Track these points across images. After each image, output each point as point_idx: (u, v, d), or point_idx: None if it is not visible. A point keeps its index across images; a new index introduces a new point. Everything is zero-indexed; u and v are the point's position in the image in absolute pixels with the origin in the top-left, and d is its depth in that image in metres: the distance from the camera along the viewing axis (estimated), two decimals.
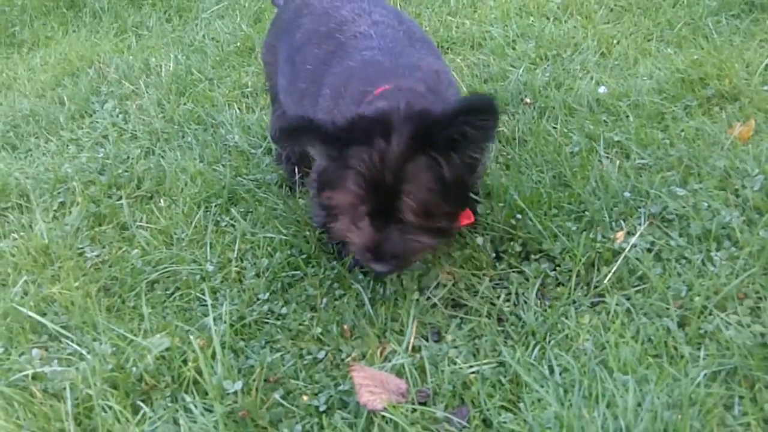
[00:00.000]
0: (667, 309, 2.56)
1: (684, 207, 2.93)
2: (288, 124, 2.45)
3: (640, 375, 2.33)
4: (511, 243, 2.96)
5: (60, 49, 5.68)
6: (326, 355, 2.67)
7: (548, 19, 4.73)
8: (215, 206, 3.47)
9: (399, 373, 2.52)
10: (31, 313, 2.92)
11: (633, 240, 2.81)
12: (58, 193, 3.74)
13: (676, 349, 2.43)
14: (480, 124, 2.34)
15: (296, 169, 3.48)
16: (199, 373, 2.51)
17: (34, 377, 2.66)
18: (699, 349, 2.40)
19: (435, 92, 2.67)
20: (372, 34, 2.88)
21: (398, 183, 2.39)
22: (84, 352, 2.72)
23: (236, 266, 3.10)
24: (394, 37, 2.89)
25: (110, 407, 2.47)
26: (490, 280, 2.84)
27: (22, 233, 3.46)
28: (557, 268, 2.84)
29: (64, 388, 2.55)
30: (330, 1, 3.09)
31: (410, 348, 2.62)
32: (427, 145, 2.38)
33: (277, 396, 2.49)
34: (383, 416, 2.36)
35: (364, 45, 2.85)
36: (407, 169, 2.38)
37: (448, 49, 4.64)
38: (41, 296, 3.06)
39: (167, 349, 2.63)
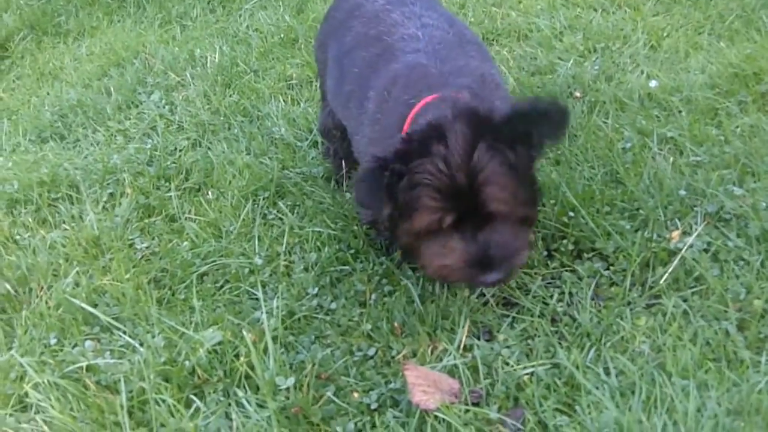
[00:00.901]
0: (726, 312, 2.53)
1: (741, 206, 2.88)
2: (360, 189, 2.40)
3: (699, 380, 2.30)
4: (564, 241, 2.92)
5: (105, 39, 5.69)
6: (377, 352, 2.66)
7: (595, 10, 4.67)
8: (263, 199, 3.47)
9: (451, 372, 2.51)
10: (83, 305, 2.93)
11: (690, 240, 2.77)
12: (108, 184, 3.75)
13: (735, 353, 2.40)
14: (546, 130, 2.32)
15: (343, 163, 3.47)
16: (251, 368, 2.52)
17: (88, 369, 2.67)
18: (759, 353, 2.37)
19: (481, 98, 2.58)
20: (420, 36, 2.84)
21: (473, 177, 2.29)
22: (136, 344, 2.73)
23: (285, 260, 3.10)
24: (442, 39, 2.84)
25: (164, 401, 2.47)
26: (542, 279, 2.82)
27: (72, 224, 3.47)
28: (611, 267, 2.81)
29: (118, 381, 2.56)
30: (382, 5, 3.06)
31: (462, 347, 2.60)
32: (486, 136, 2.32)
33: (329, 393, 2.48)
34: (436, 416, 2.35)
35: (410, 47, 2.80)
36: (475, 160, 2.30)
37: (493, 40, 4.60)
38: (93, 287, 3.07)
39: (219, 343, 2.64)
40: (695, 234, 2.80)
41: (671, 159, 3.23)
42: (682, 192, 3.01)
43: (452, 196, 2.30)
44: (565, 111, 2.31)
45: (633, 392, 2.30)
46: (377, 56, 2.87)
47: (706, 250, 2.78)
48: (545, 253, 2.93)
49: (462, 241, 2.35)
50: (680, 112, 3.55)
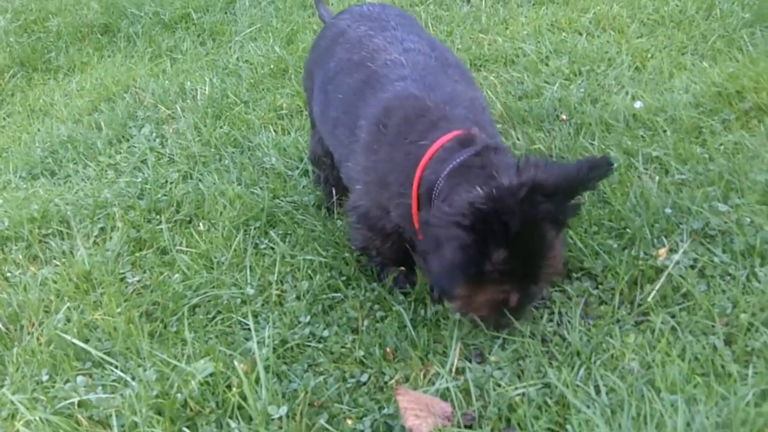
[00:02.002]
0: (713, 326, 2.55)
1: (726, 222, 2.91)
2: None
3: (688, 394, 2.31)
4: None
5: (96, 75, 5.71)
6: (369, 378, 2.67)
7: (581, 34, 4.72)
8: (254, 229, 3.48)
9: (443, 395, 2.52)
10: (74, 340, 2.93)
11: (676, 257, 2.80)
12: (98, 218, 3.76)
13: (723, 367, 2.42)
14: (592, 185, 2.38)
15: (334, 191, 3.49)
16: (244, 398, 2.52)
17: (80, 404, 2.67)
18: (747, 367, 2.39)
19: (479, 125, 2.64)
20: (403, 61, 2.87)
21: (541, 259, 2.37)
22: (128, 378, 2.73)
23: (277, 289, 3.11)
24: (426, 64, 2.87)
25: None
26: None
27: (63, 260, 3.48)
28: (599, 286, 2.83)
29: (110, 416, 2.56)
30: (364, 31, 3.09)
31: (454, 370, 2.61)
32: (549, 212, 2.33)
33: (322, 421, 2.49)
34: None
35: (395, 74, 2.83)
36: (544, 246, 2.36)
37: (481, 66, 4.63)
38: (84, 322, 3.07)
39: (211, 375, 2.64)
40: (681, 251, 2.82)
41: (657, 178, 3.25)
42: (668, 210, 3.04)
43: (521, 279, 2.39)
44: (607, 164, 2.36)
45: (623, 409, 2.32)
46: (362, 83, 2.89)
47: (692, 267, 2.80)
48: None
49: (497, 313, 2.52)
50: (665, 131, 3.58)
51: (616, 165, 3.36)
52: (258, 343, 2.73)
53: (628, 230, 3.00)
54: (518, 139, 3.72)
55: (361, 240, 3.01)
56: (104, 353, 2.87)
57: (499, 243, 2.26)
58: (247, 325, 2.87)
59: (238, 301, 3.09)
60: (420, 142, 2.61)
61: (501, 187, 2.30)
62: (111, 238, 3.58)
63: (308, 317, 2.94)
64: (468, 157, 2.46)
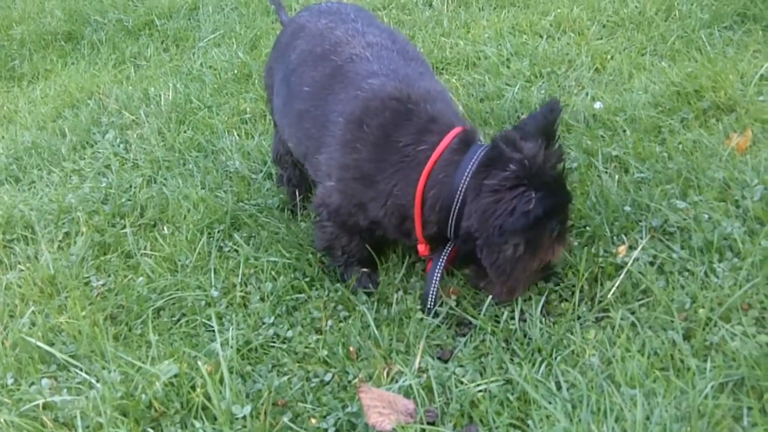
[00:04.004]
0: (672, 322, 2.57)
1: (685, 219, 2.94)
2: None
3: (647, 388, 2.34)
4: None
5: (60, 82, 5.71)
6: (333, 377, 2.68)
7: (541, 36, 4.76)
8: (218, 232, 3.49)
9: (406, 393, 2.53)
10: (39, 344, 2.93)
11: (635, 254, 2.83)
12: (63, 223, 3.76)
13: (682, 361, 2.44)
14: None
15: (297, 192, 3.51)
16: (208, 398, 2.52)
17: (45, 407, 2.66)
18: (705, 360, 2.41)
19: (456, 117, 2.85)
20: (368, 57, 2.92)
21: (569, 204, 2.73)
22: (93, 380, 2.73)
23: (241, 291, 3.12)
24: (391, 59, 2.93)
25: None
26: (494, 298, 2.85)
27: (28, 264, 3.47)
28: (560, 284, 2.86)
29: (75, 417, 2.56)
30: (325, 24, 3.13)
31: (417, 368, 2.63)
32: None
33: (285, 419, 2.49)
34: None
35: (364, 70, 2.88)
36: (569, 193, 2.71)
37: (443, 69, 4.66)
38: (49, 326, 3.07)
39: (175, 376, 2.64)
40: (640, 248, 2.85)
41: (616, 177, 3.29)
42: (628, 208, 3.07)
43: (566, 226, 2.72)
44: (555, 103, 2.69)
45: (583, 403, 2.34)
46: (329, 77, 2.94)
47: (652, 263, 2.83)
48: None
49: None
50: (625, 131, 3.62)
51: (576, 163, 3.41)
52: (222, 344, 2.73)
53: (588, 228, 3.03)
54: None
55: (325, 239, 3.04)
56: (69, 356, 2.87)
57: (552, 197, 2.53)
58: (212, 326, 2.87)
59: (203, 303, 3.09)
60: (419, 147, 2.71)
61: (525, 157, 2.56)
62: (75, 242, 3.58)
63: (272, 318, 2.95)
64: (488, 151, 2.66)
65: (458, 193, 2.61)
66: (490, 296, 2.78)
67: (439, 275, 2.81)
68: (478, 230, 2.60)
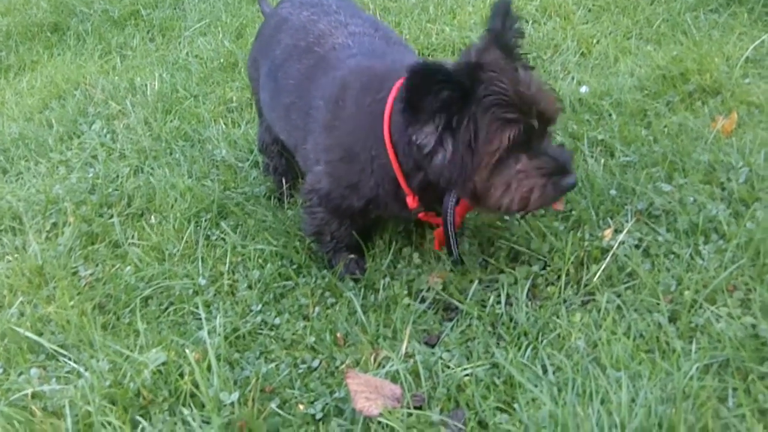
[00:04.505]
0: (658, 304, 2.59)
1: (670, 202, 2.95)
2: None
3: (633, 371, 2.35)
4: (500, 243, 2.98)
5: (46, 73, 5.69)
6: (320, 363, 2.69)
7: (527, 21, 4.76)
8: (205, 221, 3.49)
9: (393, 378, 2.54)
10: (28, 333, 2.93)
11: (620, 237, 2.84)
12: (50, 214, 3.75)
13: (667, 343, 2.45)
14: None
15: (283, 180, 3.51)
16: (196, 385, 2.53)
17: (34, 396, 2.67)
18: (691, 342, 2.42)
19: None
20: (350, 44, 2.94)
21: (531, 89, 2.45)
22: (82, 369, 2.73)
23: (228, 279, 3.13)
24: (372, 43, 2.96)
25: (109, 423, 2.47)
26: (480, 283, 2.86)
27: (16, 255, 3.47)
28: (546, 267, 2.87)
29: (64, 406, 2.56)
30: (307, 16, 3.14)
31: (404, 353, 2.64)
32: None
33: (273, 406, 2.50)
34: (379, 422, 2.38)
35: (345, 54, 2.90)
36: (523, 74, 2.47)
37: (429, 55, 4.66)
38: (37, 316, 3.08)
39: (164, 364, 2.64)
40: (625, 231, 2.86)
41: (602, 160, 3.29)
42: (613, 191, 3.08)
43: (521, 109, 2.42)
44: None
45: (569, 386, 2.35)
46: (312, 67, 2.96)
47: (637, 246, 2.84)
48: (481, 259, 2.98)
49: (535, 159, 2.49)
50: (610, 115, 3.62)
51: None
52: (209, 332, 2.74)
53: (573, 212, 3.04)
54: None
55: (315, 225, 3.04)
56: (58, 346, 2.87)
57: (474, 83, 2.39)
58: (200, 315, 2.87)
59: (191, 291, 3.10)
60: (377, 97, 2.67)
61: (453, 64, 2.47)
62: (63, 232, 3.58)
63: (260, 305, 2.96)
64: None
65: None
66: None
67: (452, 222, 2.76)
68: (398, 140, 2.61)
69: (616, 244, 2.82)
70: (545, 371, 2.45)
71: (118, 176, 4.01)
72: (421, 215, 2.90)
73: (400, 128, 2.56)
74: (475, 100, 2.38)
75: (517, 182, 2.47)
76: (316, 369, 2.68)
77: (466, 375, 2.50)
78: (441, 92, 2.35)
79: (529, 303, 2.74)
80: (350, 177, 2.80)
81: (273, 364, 2.69)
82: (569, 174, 2.51)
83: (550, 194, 2.51)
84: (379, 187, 2.77)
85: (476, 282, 2.84)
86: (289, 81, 3.03)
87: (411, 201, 2.75)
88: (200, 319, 2.86)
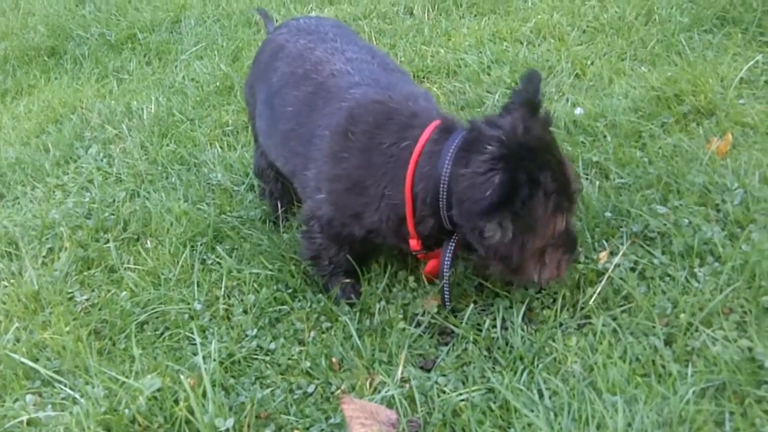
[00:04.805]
0: (654, 327, 2.58)
1: (665, 224, 2.95)
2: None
3: (629, 395, 2.35)
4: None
5: (43, 97, 5.70)
6: (316, 388, 2.68)
7: (522, 43, 4.77)
8: (201, 245, 3.49)
9: (389, 403, 2.54)
10: (23, 360, 2.93)
11: (616, 260, 2.84)
12: (46, 239, 3.75)
13: (663, 367, 2.45)
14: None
15: (279, 204, 3.51)
16: (191, 412, 2.52)
17: (29, 423, 2.66)
18: (687, 366, 2.42)
19: (439, 112, 2.85)
20: (349, 70, 2.95)
21: (567, 174, 2.60)
22: (77, 395, 2.73)
23: (224, 303, 3.13)
24: (371, 71, 2.97)
25: None
26: (476, 306, 2.86)
27: (12, 280, 3.47)
28: (542, 291, 2.86)
29: None
30: (304, 44, 3.15)
31: (399, 378, 2.63)
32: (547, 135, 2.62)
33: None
34: None
35: (346, 82, 2.91)
36: (564, 161, 2.62)
37: (424, 77, 4.67)
38: (33, 342, 3.07)
39: (159, 390, 2.63)
40: (620, 253, 2.86)
41: (597, 183, 3.30)
42: (608, 214, 3.08)
43: (571, 197, 2.62)
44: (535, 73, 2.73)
45: (565, 411, 2.35)
46: (311, 94, 2.97)
47: (633, 269, 2.84)
48: (477, 283, 2.98)
49: (564, 236, 2.67)
50: (605, 137, 3.63)
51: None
52: (204, 357, 2.73)
53: None
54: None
55: (313, 249, 3.04)
56: (53, 372, 2.87)
57: (540, 168, 2.47)
58: (195, 340, 2.87)
59: (186, 316, 3.09)
60: (401, 144, 2.71)
61: (503, 133, 2.52)
62: (59, 258, 3.57)
63: (255, 330, 2.96)
64: (466, 136, 2.62)
65: (442, 183, 2.60)
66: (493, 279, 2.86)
67: (449, 270, 2.79)
68: (460, 218, 2.60)
69: (612, 267, 2.82)
70: (541, 396, 2.44)
71: (114, 200, 4.01)
72: (420, 256, 2.92)
73: (426, 185, 2.66)
74: (542, 187, 2.47)
75: (550, 258, 2.66)
76: (311, 394, 2.67)
77: (462, 400, 2.49)
78: (523, 187, 2.44)
79: (525, 327, 2.74)
80: (355, 207, 2.81)
81: (268, 390, 2.69)
82: (578, 249, 2.80)
83: (567, 266, 2.76)
84: (382, 222, 2.80)
85: (472, 305, 2.83)
86: (287, 108, 3.03)
87: (414, 244, 2.81)
88: (195, 344, 2.86)
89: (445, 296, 2.84)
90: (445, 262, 2.77)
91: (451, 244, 2.76)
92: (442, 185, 2.60)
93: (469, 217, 2.55)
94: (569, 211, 2.62)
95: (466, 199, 2.52)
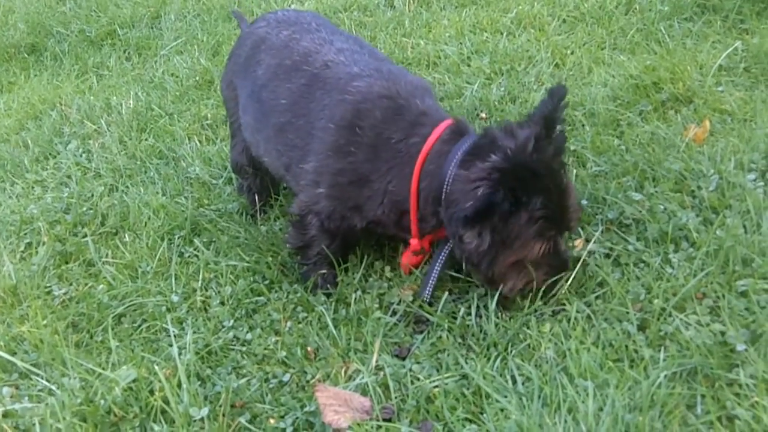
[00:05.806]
0: (627, 313, 2.59)
1: (640, 211, 2.96)
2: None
3: (601, 379, 2.35)
4: None
5: (23, 94, 5.68)
6: (291, 377, 2.69)
7: (502, 34, 4.76)
8: (178, 238, 3.50)
9: (364, 391, 2.54)
10: (1, 353, 2.92)
11: (589, 246, 2.84)
12: (25, 234, 3.75)
13: (636, 352, 2.45)
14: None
15: (257, 199, 3.51)
16: (166, 402, 2.53)
17: (6, 415, 2.66)
18: (659, 350, 2.42)
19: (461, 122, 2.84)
20: (344, 60, 2.94)
21: (568, 199, 2.64)
22: (53, 387, 2.72)
23: (201, 295, 3.12)
24: (366, 61, 2.97)
25: None
26: (450, 294, 2.86)
27: None
28: None
29: (35, 424, 2.56)
30: (287, 35, 3.13)
31: (374, 365, 2.64)
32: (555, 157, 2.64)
33: (243, 420, 2.51)
34: None
35: (344, 73, 2.91)
36: (565, 186, 2.64)
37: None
38: (11, 335, 3.07)
39: (134, 381, 2.63)
40: (593, 240, 2.86)
41: (574, 171, 3.30)
42: (584, 201, 3.09)
43: (560, 225, 2.64)
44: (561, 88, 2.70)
45: (537, 396, 2.35)
46: (306, 86, 2.96)
47: (607, 255, 2.85)
48: (453, 270, 2.98)
49: (550, 258, 2.67)
50: (583, 125, 3.63)
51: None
52: (180, 348, 2.73)
53: None
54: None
55: (303, 240, 3.05)
56: (30, 364, 2.87)
57: (533, 191, 2.49)
58: (172, 331, 2.87)
59: (163, 308, 3.09)
60: (410, 140, 2.74)
61: (512, 147, 2.54)
62: (37, 252, 3.57)
63: (232, 321, 2.96)
64: (477, 140, 2.67)
65: (446, 183, 2.62)
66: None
67: (439, 267, 2.81)
68: (445, 219, 2.64)
69: (587, 254, 2.82)
70: (514, 382, 2.45)
71: (92, 195, 4.01)
72: (413, 244, 2.93)
73: (430, 183, 2.70)
74: (527, 210, 2.52)
75: (526, 274, 2.69)
76: (287, 383, 2.67)
77: (436, 387, 2.50)
78: (503, 204, 2.48)
79: (500, 314, 2.74)
80: (357, 200, 2.83)
81: (244, 379, 2.69)
82: (565, 272, 2.76)
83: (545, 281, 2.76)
84: (383, 214, 2.83)
85: (447, 294, 2.83)
86: (280, 101, 3.02)
87: (415, 243, 2.88)
88: (172, 335, 2.85)
89: (426, 290, 2.84)
90: (438, 261, 2.81)
91: (448, 245, 2.79)
92: (445, 185, 2.62)
93: (450, 220, 2.58)
94: (558, 238, 2.65)
95: (453, 202, 2.56)
